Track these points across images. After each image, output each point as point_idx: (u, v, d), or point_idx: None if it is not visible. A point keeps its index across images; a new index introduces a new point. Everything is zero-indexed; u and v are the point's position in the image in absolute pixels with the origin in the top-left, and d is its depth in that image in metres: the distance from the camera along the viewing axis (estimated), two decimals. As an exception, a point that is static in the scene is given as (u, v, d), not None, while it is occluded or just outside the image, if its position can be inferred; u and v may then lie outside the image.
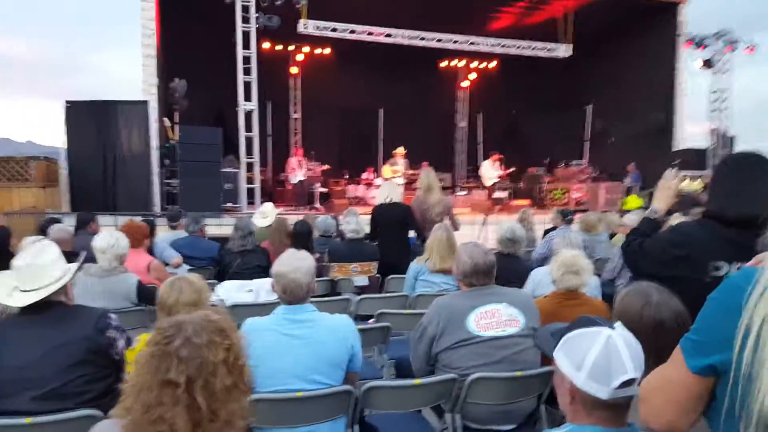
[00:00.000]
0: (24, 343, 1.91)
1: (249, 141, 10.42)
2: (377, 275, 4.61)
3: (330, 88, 14.56)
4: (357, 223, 4.70)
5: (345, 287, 4.41)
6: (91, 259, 3.31)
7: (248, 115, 10.34)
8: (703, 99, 13.15)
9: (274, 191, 13.37)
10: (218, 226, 7.25)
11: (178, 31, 10.82)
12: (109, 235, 3.43)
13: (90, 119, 9.85)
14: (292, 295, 2.10)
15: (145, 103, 9.97)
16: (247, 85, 10.29)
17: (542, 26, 13.20)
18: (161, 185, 10.17)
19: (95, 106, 10.04)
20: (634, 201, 11.58)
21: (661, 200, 2.22)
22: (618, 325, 1.17)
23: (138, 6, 10.04)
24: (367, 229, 4.93)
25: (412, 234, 5.23)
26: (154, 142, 10.06)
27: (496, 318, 2.36)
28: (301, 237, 4.50)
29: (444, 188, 12.64)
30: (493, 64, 16.61)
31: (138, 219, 4.90)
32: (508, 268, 3.57)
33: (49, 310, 1.99)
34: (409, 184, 12.16)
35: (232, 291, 3.70)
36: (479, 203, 12.27)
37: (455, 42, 12.55)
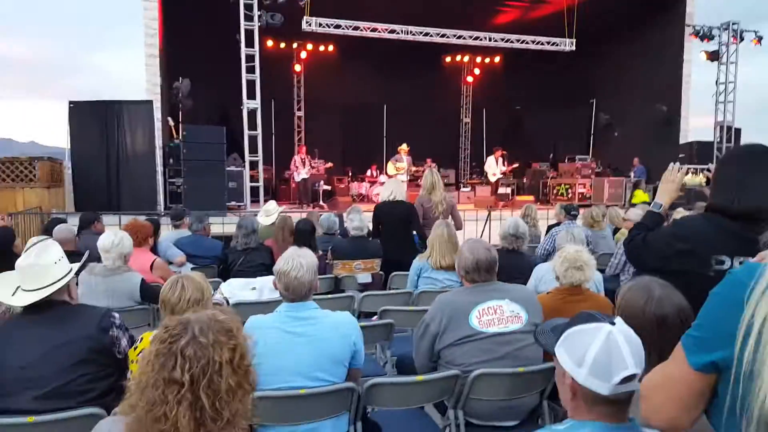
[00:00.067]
0: (26, 342, 1.92)
1: (253, 139, 10.43)
2: (380, 272, 4.61)
3: (333, 85, 14.56)
4: (360, 220, 4.71)
5: (348, 284, 4.42)
6: (95, 258, 3.33)
7: (252, 113, 10.34)
8: (709, 91, 13.05)
9: (277, 189, 13.41)
10: (222, 225, 7.26)
11: (180, 31, 10.85)
12: (113, 235, 3.44)
13: (94, 119, 9.90)
14: (294, 293, 2.10)
15: (149, 102, 10.01)
16: (251, 84, 10.29)
17: (546, 20, 13.11)
18: (165, 184, 10.21)
19: (99, 106, 10.09)
20: (642, 196, 11.52)
21: (665, 194, 2.19)
22: (618, 320, 1.16)
23: (140, 6, 10.07)
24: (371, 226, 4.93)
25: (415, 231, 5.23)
26: (158, 141, 10.10)
27: (498, 314, 2.36)
28: (304, 235, 4.50)
29: (448, 184, 12.68)
30: (497, 59, 16.55)
31: (142, 218, 4.91)
32: (511, 264, 3.56)
33: (52, 309, 2.00)
34: (413, 180, 12.16)
35: (236, 289, 3.71)
36: (483, 199, 12.25)
37: (459, 37, 12.49)
